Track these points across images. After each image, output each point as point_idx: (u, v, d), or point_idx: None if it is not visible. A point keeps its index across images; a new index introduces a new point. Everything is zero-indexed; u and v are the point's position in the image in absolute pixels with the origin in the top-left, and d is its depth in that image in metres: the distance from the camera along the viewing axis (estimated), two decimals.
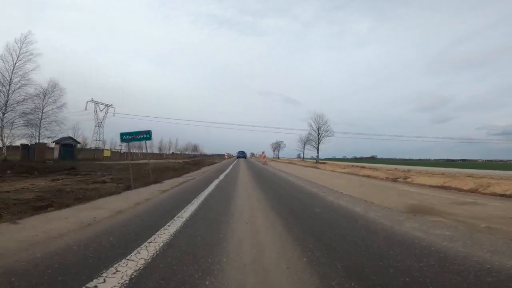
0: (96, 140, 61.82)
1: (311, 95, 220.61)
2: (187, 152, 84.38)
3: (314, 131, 38.66)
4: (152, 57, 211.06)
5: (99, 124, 63.34)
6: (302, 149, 48.84)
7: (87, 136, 61.02)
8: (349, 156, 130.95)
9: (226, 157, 38.66)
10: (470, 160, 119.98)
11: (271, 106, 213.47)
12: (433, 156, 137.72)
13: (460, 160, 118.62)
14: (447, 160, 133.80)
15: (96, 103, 63.26)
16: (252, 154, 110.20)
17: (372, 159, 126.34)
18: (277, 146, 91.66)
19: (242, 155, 49.95)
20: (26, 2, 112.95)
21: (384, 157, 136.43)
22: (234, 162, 23.95)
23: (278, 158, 70.12)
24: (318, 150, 36.97)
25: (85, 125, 70.62)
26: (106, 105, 65.25)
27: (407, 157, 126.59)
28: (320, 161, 41.16)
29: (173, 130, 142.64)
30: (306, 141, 45.84)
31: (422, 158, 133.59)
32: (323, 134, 37.64)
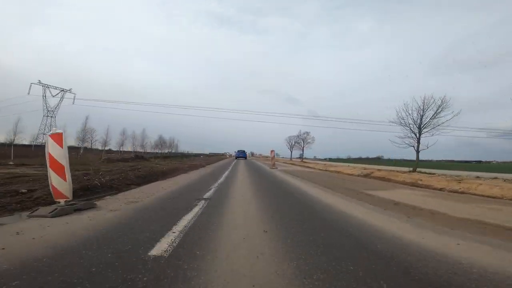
0: (44, 134, 47.85)
1: (311, 94, 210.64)
2: (151, 150, 62.21)
3: None
4: (152, 55, 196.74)
5: (50, 113, 49.50)
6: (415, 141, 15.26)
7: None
8: (354, 156, 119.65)
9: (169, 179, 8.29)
10: (485, 162, 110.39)
11: (271, 104, 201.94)
12: (435, 157, 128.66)
13: (475, 161, 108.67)
14: (449, 160, 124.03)
15: (46, 86, 49.42)
16: (252, 154, 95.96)
17: (378, 160, 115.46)
18: (299, 142, 57.53)
19: (241, 155, 45.10)
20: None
21: (390, 158, 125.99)
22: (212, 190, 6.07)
23: (303, 160, 45.16)
24: None
25: (32, 115, 55.40)
26: (62, 90, 51.52)
27: (407, 158, 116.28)
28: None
29: (168, 126, 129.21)
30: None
31: (424, 158, 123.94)
32: None
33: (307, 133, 58.92)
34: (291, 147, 63.33)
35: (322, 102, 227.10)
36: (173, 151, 69.44)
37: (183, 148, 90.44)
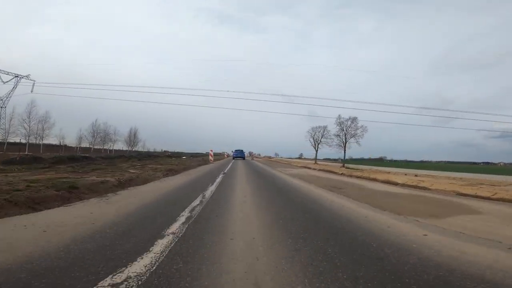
0: None
1: (311, 93, 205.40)
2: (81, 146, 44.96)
3: None
4: (151, 54, 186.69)
5: None
6: None
7: None
8: (355, 157, 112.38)
9: None
10: (491, 163, 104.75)
11: (271, 104, 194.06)
12: (434, 158, 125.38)
13: (483, 163, 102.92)
14: (448, 162, 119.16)
15: None
16: (250, 154, 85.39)
17: (381, 161, 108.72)
18: (338, 134, 35.14)
19: (239, 154, 44.14)
20: None
21: (393, 159, 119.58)
22: None
23: (345, 166, 27.55)
24: None
25: None
26: (16, 76, 43.22)
27: (409, 159, 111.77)
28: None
29: (161, 123, 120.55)
30: None
31: (424, 159, 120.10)
32: None
33: (353, 119, 34.55)
34: (316, 143, 40.04)
35: (322, 100, 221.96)
36: (135, 149, 55.35)
37: (159, 145, 77.56)
